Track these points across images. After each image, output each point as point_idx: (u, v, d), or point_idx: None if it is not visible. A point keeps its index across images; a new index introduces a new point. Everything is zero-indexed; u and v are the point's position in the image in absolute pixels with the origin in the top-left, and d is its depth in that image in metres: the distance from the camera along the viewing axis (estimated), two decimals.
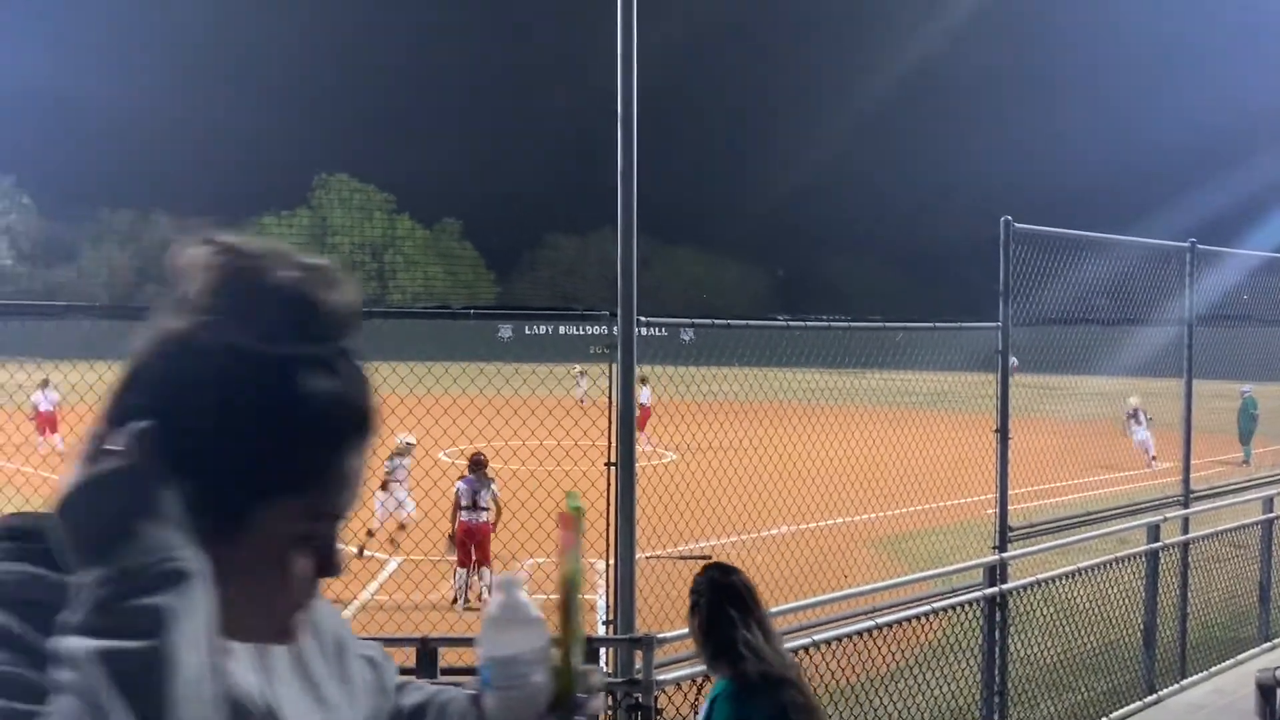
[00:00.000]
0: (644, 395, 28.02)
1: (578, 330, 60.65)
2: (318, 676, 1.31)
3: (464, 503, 12.81)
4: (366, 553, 14.48)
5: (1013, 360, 7.87)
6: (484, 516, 12.78)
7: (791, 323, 6.47)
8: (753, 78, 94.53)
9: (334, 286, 1.15)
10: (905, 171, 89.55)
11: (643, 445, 28.41)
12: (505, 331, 62.81)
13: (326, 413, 1.10)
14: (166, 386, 1.07)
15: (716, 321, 5.93)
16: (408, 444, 14.53)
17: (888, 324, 7.40)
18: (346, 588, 12.67)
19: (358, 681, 1.39)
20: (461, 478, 13.22)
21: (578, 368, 37.50)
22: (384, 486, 14.59)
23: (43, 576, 1.04)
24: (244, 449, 1.06)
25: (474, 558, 12.69)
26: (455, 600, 12.63)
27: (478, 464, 13.01)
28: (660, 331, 6.21)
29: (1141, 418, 22.20)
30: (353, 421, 1.13)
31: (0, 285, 76.08)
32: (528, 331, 63.00)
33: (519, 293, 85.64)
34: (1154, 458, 21.16)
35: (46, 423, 24.66)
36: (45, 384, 24.87)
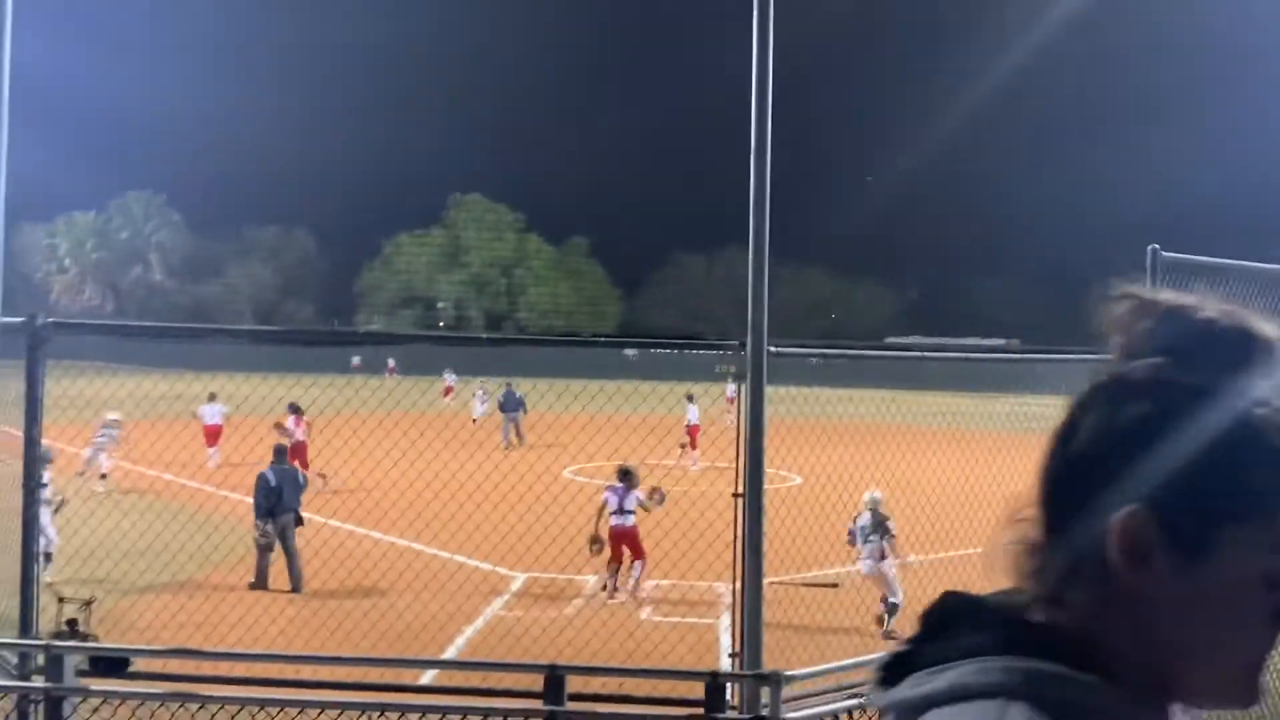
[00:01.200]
0: (692, 414, 28.15)
1: (702, 351, 60.59)
2: None
3: (612, 508, 14.17)
4: None
5: None
6: (630, 520, 14.22)
7: (928, 354, 6.31)
8: (887, 95, 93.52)
9: (1260, 324, 1.14)
10: (1046, 192, 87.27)
11: (690, 464, 28.03)
12: (631, 351, 63.18)
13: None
14: (1130, 439, 1.07)
15: (850, 351, 5.81)
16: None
17: (1026, 354, 7.16)
18: (468, 599, 12.84)
19: None
20: (609, 487, 14.49)
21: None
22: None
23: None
24: (1208, 479, 1.05)
25: (625, 557, 14.13)
26: (605, 589, 13.99)
27: (625, 474, 14.37)
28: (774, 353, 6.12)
29: None
30: None
31: (150, 300, 79.74)
32: (652, 351, 63.24)
33: (644, 310, 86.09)
34: None
35: (212, 436, 25.18)
36: (212, 398, 25.43)
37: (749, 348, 4.95)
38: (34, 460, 6.46)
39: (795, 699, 4.99)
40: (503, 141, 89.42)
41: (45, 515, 14.10)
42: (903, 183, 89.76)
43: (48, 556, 13.99)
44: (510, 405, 31.50)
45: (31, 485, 6.53)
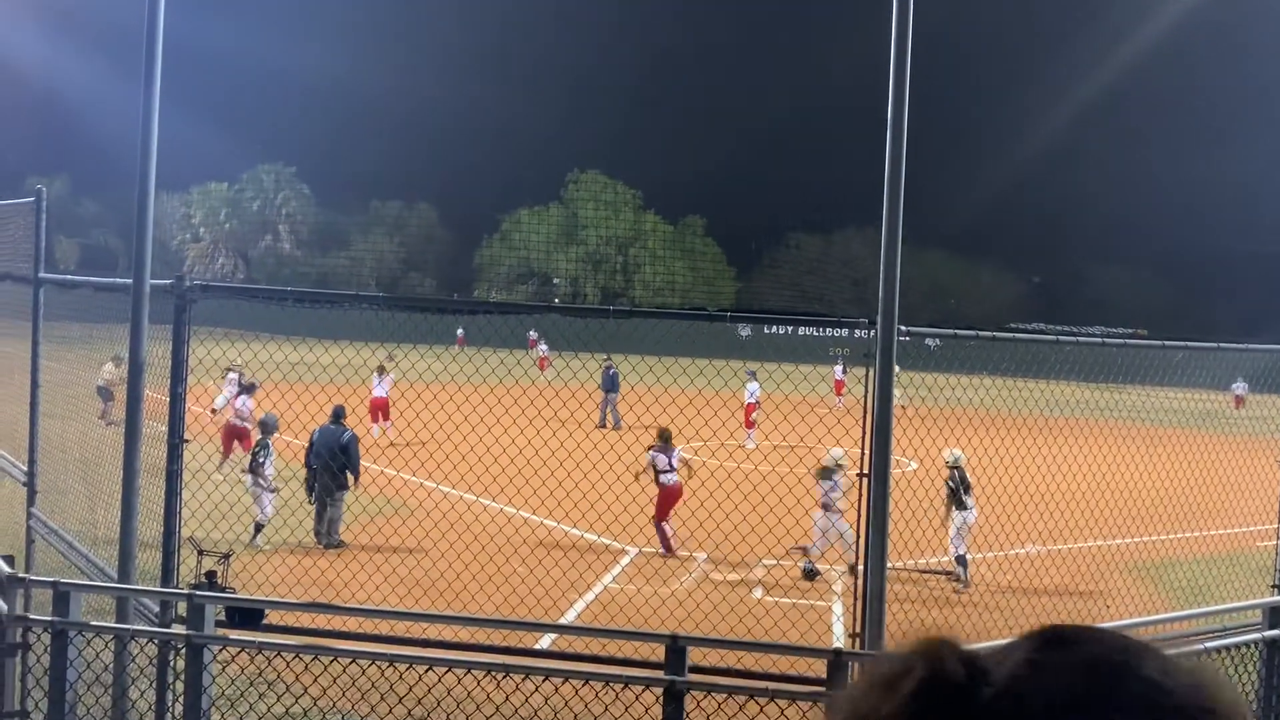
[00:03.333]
0: (752, 391, 27.83)
1: (817, 332, 60.19)
2: None
3: (663, 467, 15.20)
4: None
5: None
6: (675, 478, 15.23)
7: (1062, 338, 6.15)
8: (1010, 74, 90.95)
9: None
10: (1178, 179, 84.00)
11: (748, 442, 28.03)
12: (744, 330, 62.92)
13: None
14: None
15: (982, 333, 5.70)
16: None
17: (1167, 343, 6.93)
18: (581, 577, 12.99)
19: None
20: (653, 448, 15.42)
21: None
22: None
23: None
24: None
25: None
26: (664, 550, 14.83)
27: (667, 435, 15.33)
28: (904, 336, 6.02)
29: None
30: None
31: (279, 269, 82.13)
32: (766, 331, 62.81)
33: (758, 290, 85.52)
34: None
35: (379, 408, 25.02)
36: (381, 370, 25.12)
37: (879, 328, 4.90)
38: (178, 418, 6.75)
39: None
40: (622, 119, 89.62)
41: (260, 487, 14.64)
42: (1030, 164, 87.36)
43: (258, 527, 14.46)
44: (608, 385, 31.46)
45: (174, 441, 6.82)
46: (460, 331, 50.33)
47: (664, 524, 14.93)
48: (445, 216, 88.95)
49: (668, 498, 15.11)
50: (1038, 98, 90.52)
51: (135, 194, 7.06)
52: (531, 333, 51.90)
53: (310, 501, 15.01)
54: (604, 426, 29.16)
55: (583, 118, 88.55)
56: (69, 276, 12.17)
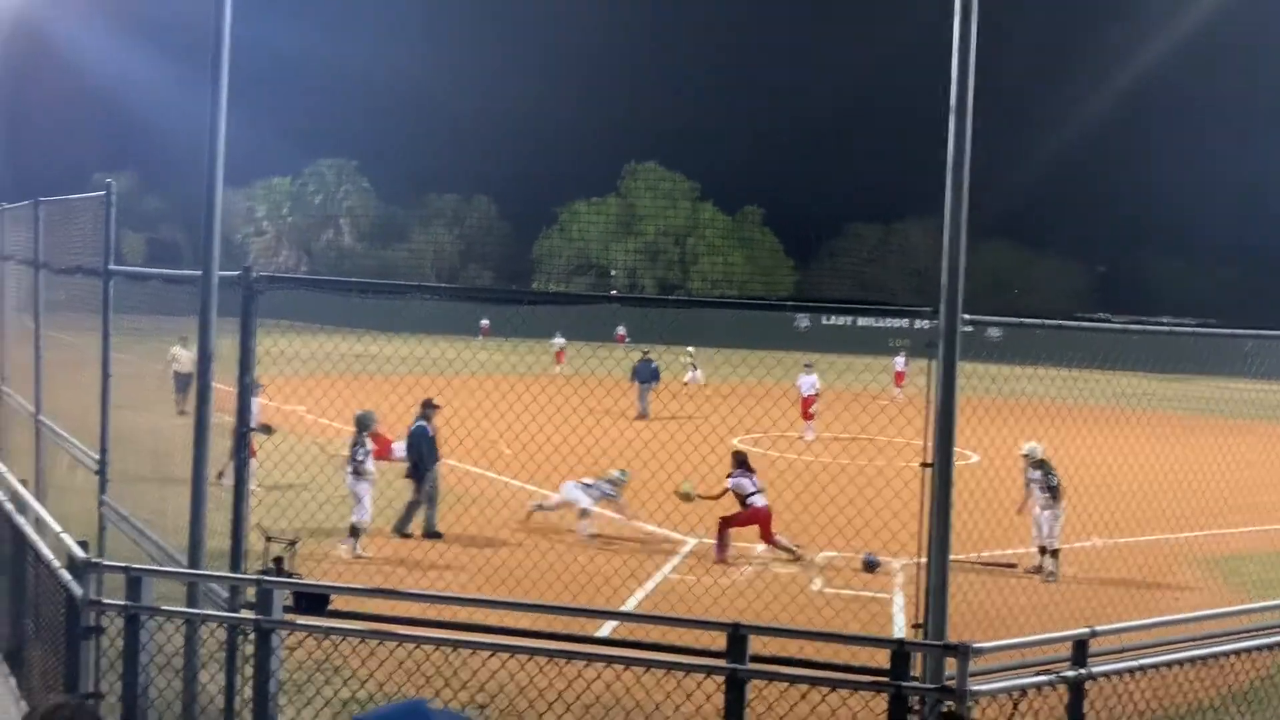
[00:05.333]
0: (809, 383, 27.96)
1: (876, 323, 59.68)
2: None
3: (749, 490, 14.58)
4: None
5: None
6: (763, 499, 14.58)
7: (1130, 326, 6.04)
8: (1072, 61, 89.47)
9: None
10: (1245, 165, 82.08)
11: (807, 434, 28.05)
12: (803, 322, 62.60)
13: None
14: None
15: (1048, 322, 5.62)
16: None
17: (1237, 331, 6.76)
18: (641, 565, 13.03)
19: None
20: (735, 474, 14.70)
21: (689, 353, 36.76)
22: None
23: None
24: None
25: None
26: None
27: (744, 458, 14.90)
28: (967, 326, 5.94)
29: None
30: None
31: (340, 262, 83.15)
32: (824, 322, 62.35)
33: (816, 281, 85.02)
34: None
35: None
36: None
37: (942, 315, 4.85)
38: (246, 407, 6.86)
39: (979, 674, 4.90)
40: (680, 110, 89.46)
41: (363, 486, 14.49)
42: (1093, 152, 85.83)
43: (356, 531, 14.12)
44: (644, 375, 31.34)
45: (242, 431, 6.94)
46: (485, 322, 49.95)
47: (727, 531, 14.56)
48: (503, 209, 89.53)
49: (763, 519, 14.53)
50: (1100, 85, 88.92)
51: (204, 188, 7.18)
52: (484, 320, 50.33)
53: (416, 495, 15.23)
54: (644, 418, 29.20)
55: (639, 109, 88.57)
56: (138, 269, 12.41)
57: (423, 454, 15.22)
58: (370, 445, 14.64)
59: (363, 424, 14.58)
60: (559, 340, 43.18)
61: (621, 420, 22.51)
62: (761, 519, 14.49)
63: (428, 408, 15.64)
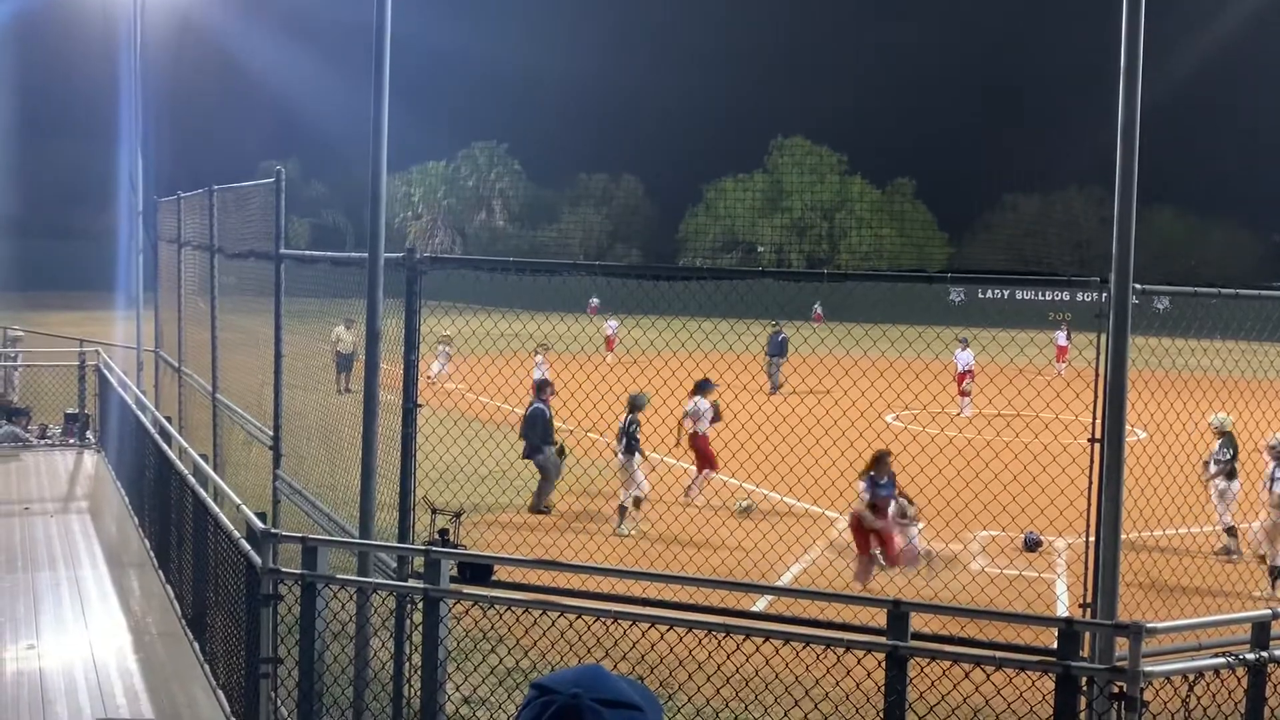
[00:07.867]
0: (966, 358, 26.94)
1: (1034, 295, 57.82)
2: None
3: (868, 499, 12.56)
4: None
5: None
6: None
7: None
8: (1242, 21, 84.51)
9: None
10: None
11: (965, 409, 26.86)
12: (957, 296, 61.02)
13: None
14: None
15: (1225, 291, 5.37)
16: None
17: None
18: (798, 541, 12.96)
19: None
20: (867, 478, 12.64)
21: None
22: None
23: None
24: None
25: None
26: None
27: (881, 459, 12.60)
28: (1137, 298, 5.71)
29: None
30: None
31: (493, 243, 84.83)
32: (980, 295, 60.62)
33: (972, 254, 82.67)
34: None
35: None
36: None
37: (1113, 284, 4.69)
38: (412, 383, 7.11)
39: (1152, 654, 4.74)
40: (827, 83, 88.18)
41: (634, 463, 14.93)
42: (1271, 112, 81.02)
43: (636, 502, 14.65)
44: (775, 349, 31.08)
45: (409, 407, 7.19)
46: (595, 300, 49.17)
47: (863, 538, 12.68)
48: (650, 188, 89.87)
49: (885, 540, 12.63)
50: (1269, 46, 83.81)
51: (367, 175, 7.46)
52: (593, 300, 46.52)
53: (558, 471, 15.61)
54: (776, 391, 29.00)
55: (785, 84, 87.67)
56: (307, 252, 12.93)
57: (538, 434, 15.54)
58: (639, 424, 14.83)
59: (635, 405, 14.92)
60: (611, 324, 35.88)
61: (759, 395, 22.32)
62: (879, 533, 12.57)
63: (703, 387, 16.10)
